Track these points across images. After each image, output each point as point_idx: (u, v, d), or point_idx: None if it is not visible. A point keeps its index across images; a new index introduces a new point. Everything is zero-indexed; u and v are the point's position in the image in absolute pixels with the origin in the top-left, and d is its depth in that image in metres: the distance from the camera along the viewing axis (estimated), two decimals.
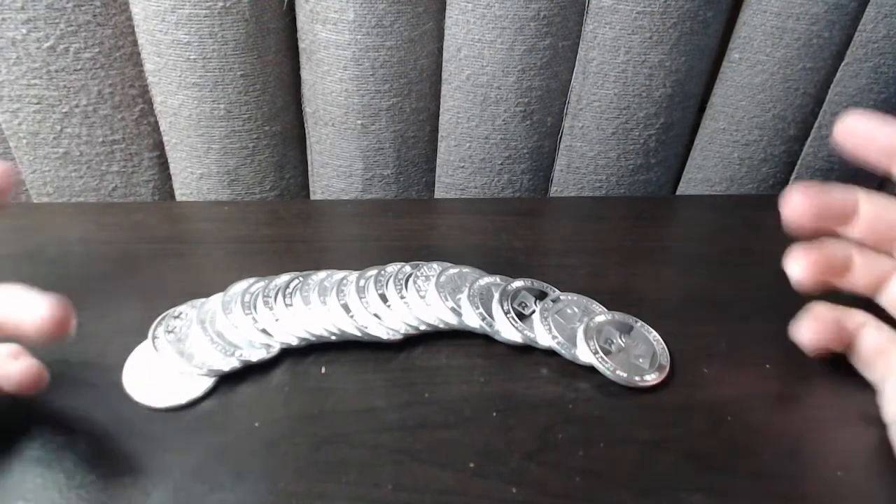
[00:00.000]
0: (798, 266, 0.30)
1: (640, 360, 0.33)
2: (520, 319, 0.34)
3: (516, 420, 0.31)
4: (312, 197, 0.53)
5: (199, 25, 0.41)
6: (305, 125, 0.50)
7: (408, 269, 0.37)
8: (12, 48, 0.42)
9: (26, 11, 0.40)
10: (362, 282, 0.36)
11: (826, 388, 0.33)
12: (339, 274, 0.37)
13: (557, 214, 0.48)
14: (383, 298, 0.35)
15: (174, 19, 0.41)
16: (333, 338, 0.33)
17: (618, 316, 0.35)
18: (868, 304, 0.31)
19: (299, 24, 0.45)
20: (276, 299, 0.35)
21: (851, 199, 0.30)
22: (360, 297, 0.35)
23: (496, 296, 0.36)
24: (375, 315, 0.34)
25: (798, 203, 0.29)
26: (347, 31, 0.43)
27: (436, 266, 0.38)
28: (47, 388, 0.28)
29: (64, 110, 0.45)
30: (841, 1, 0.45)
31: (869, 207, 0.30)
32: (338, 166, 0.50)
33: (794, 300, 0.32)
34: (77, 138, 0.46)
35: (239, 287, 0.35)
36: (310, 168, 0.52)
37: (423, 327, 0.34)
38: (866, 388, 0.31)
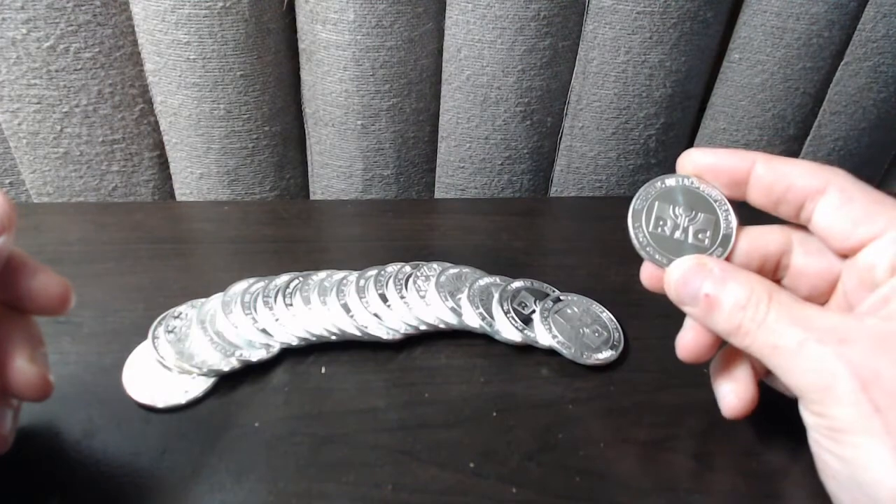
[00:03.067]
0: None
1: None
2: (520, 319, 0.35)
3: (516, 420, 0.31)
4: (312, 197, 0.53)
5: (199, 25, 0.41)
6: (305, 125, 0.50)
7: (408, 269, 0.37)
8: (12, 48, 0.42)
9: (26, 11, 0.40)
10: (362, 282, 0.36)
11: None
12: (339, 274, 0.37)
13: (557, 214, 0.48)
14: (383, 298, 0.35)
15: (174, 19, 0.41)
16: (333, 338, 0.33)
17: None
18: None
19: (299, 25, 0.45)
20: (276, 299, 0.35)
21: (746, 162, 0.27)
22: (360, 297, 0.35)
23: (496, 296, 0.36)
24: (375, 315, 0.34)
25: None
26: (347, 31, 0.43)
27: (436, 266, 0.38)
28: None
29: (64, 110, 0.45)
30: (840, 0, 0.45)
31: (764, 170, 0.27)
32: (338, 167, 0.50)
33: None
34: (77, 138, 0.46)
35: (239, 287, 0.35)
36: (310, 168, 0.52)
37: (423, 327, 0.34)
38: None
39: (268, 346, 0.33)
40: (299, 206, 0.47)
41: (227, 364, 0.32)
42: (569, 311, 0.36)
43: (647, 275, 0.28)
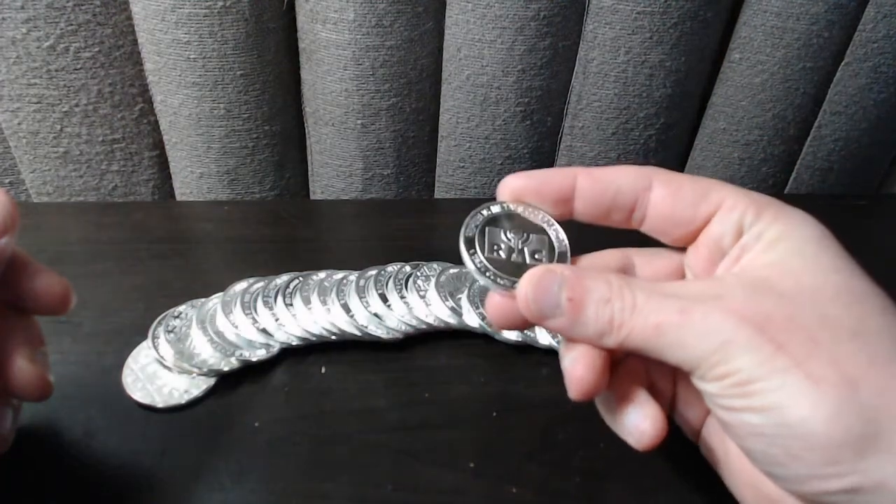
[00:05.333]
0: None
1: None
2: None
3: (516, 420, 0.31)
4: (312, 197, 0.53)
5: (198, 25, 0.41)
6: (305, 125, 0.50)
7: (408, 269, 0.37)
8: (12, 47, 0.42)
9: (26, 10, 0.40)
10: (362, 282, 0.36)
11: None
12: (339, 274, 0.37)
13: None
14: (383, 298, 0.35)
15: (174, 19, 0.41)
16: (333, 338, 0.33)
17: None
18: None
19: (299, 24, 0.45)
20: (276, 299, 0.35)
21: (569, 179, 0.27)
22: (360, 297, 0.35)
23: None
24: (375, 315, 0.34)
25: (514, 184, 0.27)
26: (347, 30, 0.43)
27: (436, 266, 0.38)
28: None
29: (64, 109, 0.45)
30: (841, 1, 0.45)
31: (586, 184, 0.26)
32: (338, 166, 0.50)
33: None
34: (77, 137, 0.46)
35: (239, 287, 0.35)
36: (310, 168, 0.52)
37: (423, 327, 0.34)
38: None
39: (268, 346, 0.33)
40: (299, 206, 0.47)
41: (227, 364, 0.32)
42: None
43: (495, 305, 0.25)
